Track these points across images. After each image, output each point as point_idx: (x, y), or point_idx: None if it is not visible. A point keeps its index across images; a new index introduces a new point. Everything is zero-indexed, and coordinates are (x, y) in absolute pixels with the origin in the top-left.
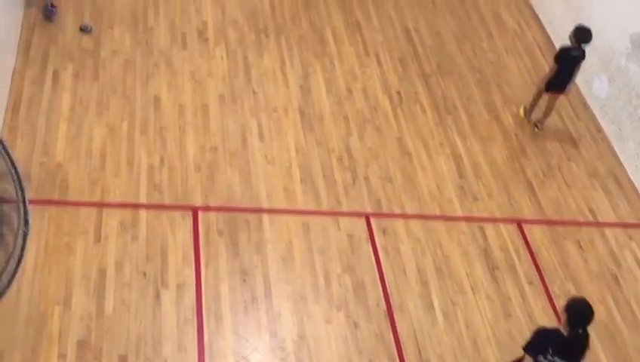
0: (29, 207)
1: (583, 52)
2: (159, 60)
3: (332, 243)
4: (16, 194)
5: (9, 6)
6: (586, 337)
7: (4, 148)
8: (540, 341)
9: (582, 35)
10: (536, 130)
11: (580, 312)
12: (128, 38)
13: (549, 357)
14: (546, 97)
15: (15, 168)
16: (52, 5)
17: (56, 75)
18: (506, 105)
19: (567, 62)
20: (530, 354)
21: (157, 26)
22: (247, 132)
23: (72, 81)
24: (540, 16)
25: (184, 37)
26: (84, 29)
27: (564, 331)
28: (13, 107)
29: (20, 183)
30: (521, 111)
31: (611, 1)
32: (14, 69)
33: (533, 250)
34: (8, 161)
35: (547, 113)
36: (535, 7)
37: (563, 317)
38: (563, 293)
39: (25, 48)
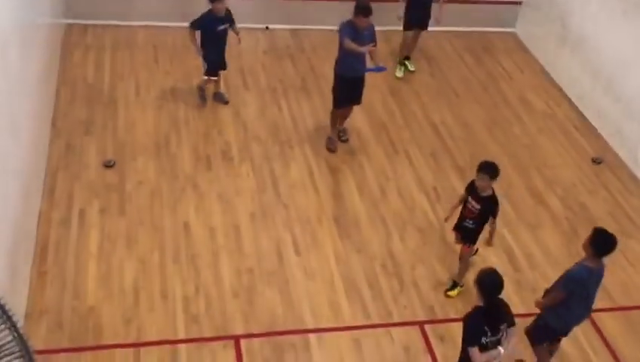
0: None
1: None
2: (185, 185)
3: (387, 358)
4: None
5: (33, 150)
6: (503, 303)
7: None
8: (475, 328)
9: None
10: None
11: (491, 282)
12: (152, 168)
13: (490, 336)
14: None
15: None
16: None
17: (82, 214)
18: (550, 187)
19: None
20: (474, 345)
21: (180, 151)
22: (282, 248)
23: (98, 218)
24: (568, 93)
25: (208, 159)
26: (107, 165)
27: (482, 304)
28: (41, 251)
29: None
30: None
31: None
32: (40, 212)
33: (610, 342)
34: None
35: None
36: (562, 85)
37: (477, 291)
38: None
39: (50, 190)
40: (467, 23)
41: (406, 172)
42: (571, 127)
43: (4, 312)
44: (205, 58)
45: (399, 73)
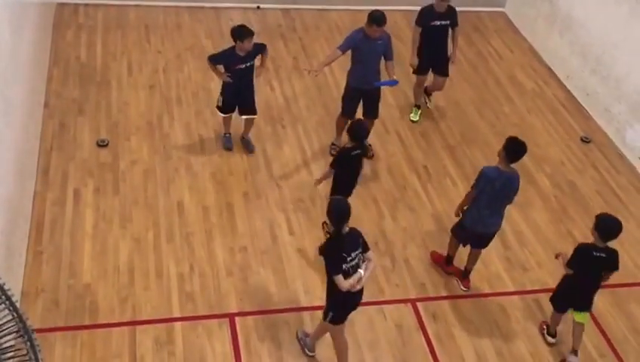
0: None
1: None
2: (179, 165)
3: (380, 335)
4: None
5: (26, 130)
6: (355, 231)
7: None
8: (333, 256)
9: None
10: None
11: (339, 210)
12: (146, 147)
13: (349, 261)
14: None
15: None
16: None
17: (77, 193)
18: (539, 166)
19: None
20: (338, 273)
21: (173, 131)
22: (275, 227)
23: (93, 197)
24: (557, 73)
25: (201, 139)
26: (101, 144)
27: (333, 234)
28: (36, 231)
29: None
30: None
31: (634, 47)
32: (35, 192)
33: (598, 318)
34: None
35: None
36: (550, 64)
37: (328, 220)
38: None
39: (44, 170)
40: (457, 3)
41: (397, 151)
42: (560, 107)
43: (3, 292)
44: (222, 92)
45: (415, 117)
